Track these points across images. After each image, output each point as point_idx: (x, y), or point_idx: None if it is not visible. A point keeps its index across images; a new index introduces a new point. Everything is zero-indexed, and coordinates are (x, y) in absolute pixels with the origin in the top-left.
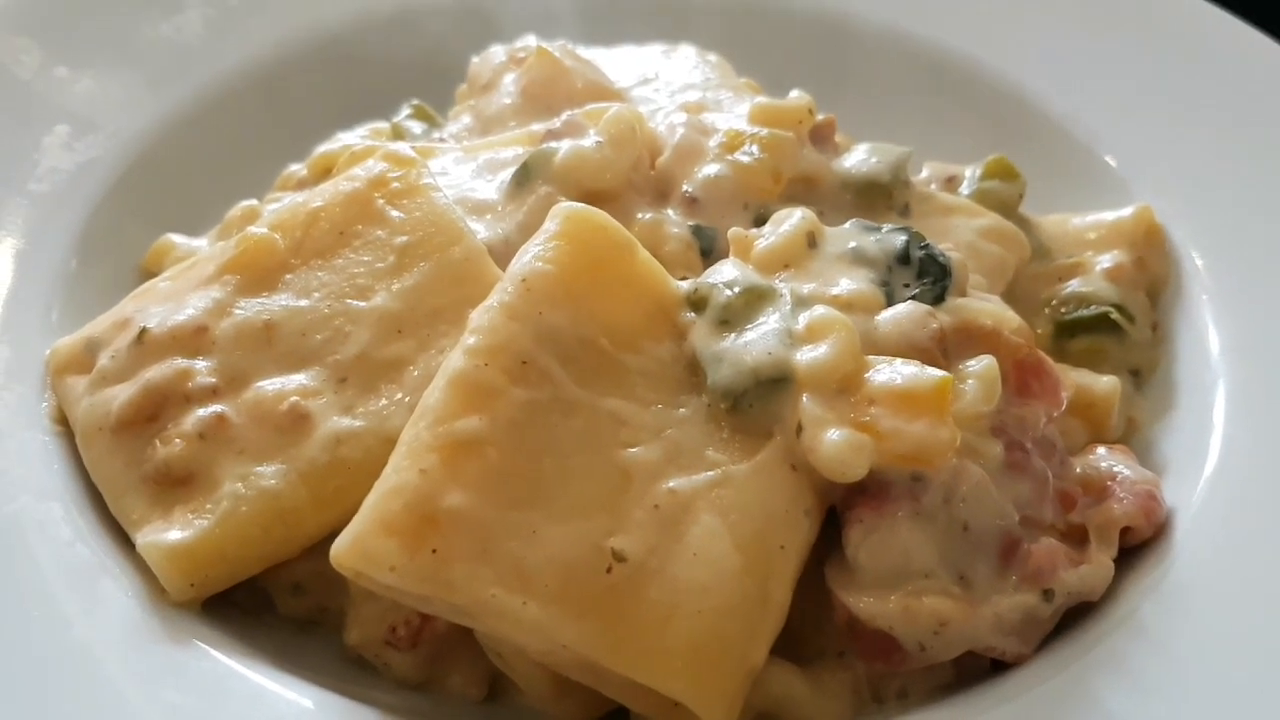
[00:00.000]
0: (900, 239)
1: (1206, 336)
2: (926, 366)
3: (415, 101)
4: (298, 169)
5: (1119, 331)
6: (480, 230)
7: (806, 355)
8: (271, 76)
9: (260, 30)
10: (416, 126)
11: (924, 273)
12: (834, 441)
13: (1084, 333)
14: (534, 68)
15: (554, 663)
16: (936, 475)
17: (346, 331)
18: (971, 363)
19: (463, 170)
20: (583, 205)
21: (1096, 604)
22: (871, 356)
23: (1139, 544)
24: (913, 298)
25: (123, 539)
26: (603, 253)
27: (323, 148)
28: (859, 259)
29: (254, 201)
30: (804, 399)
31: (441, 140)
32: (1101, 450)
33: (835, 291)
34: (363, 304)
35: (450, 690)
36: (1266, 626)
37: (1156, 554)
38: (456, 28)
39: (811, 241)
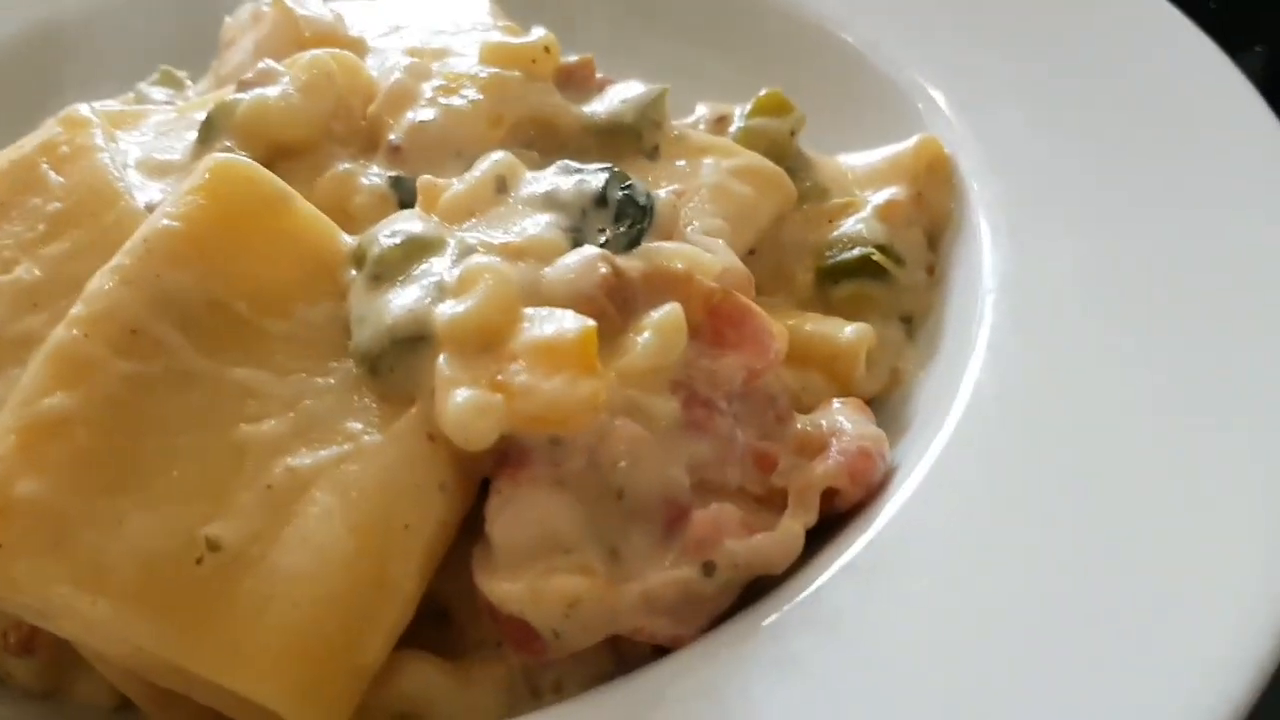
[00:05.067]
0: (599, 179)
1: (980, 277)
2: (578, 316)
3: (163, 67)
4: None
5: (884, 275)
6: (159, 193)
7: (448, 310)
8: (32, 49)
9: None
10: (160, 92)
11: (621, 215)
12: (458, 404)
13: (846, 278)
14: (268, 21)
15: (139, 668)
16: (577, 437)
17: None
18: (656, 312)
19: (164, 132)
20: (231, 156)
21: (781, 579)
22: (531, 309)
23: (852, 509)
24: (604, 243)
25: None
26: (247, 207)
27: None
28: (551, 204)
29: None
30: (440, 359)
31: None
32: (836, 405)
33: (508, 239)
34: (3, 278)
35: (79, 699)
36: (966, 615)
37: (859, 522)
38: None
39: (502, 186)
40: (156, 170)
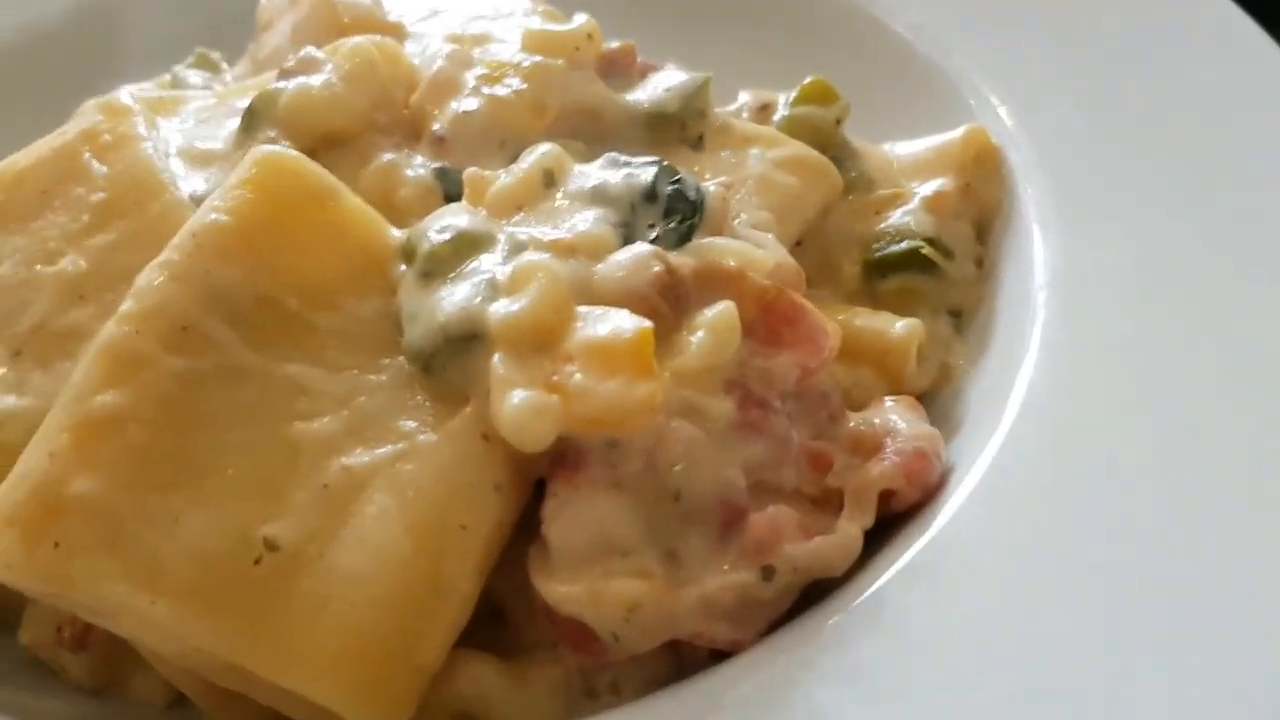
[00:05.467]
0: (648, 173)
1: (1031, 271)
2: (633, 316)
3: (199, 49)
4: None
5: (933, 268)
6: (203, 183)
7: (501, 309)
8: (63, 33)
9: None
10: (196, 75)
11: (672, 210)
12: (514, 406)
13: (894, 271)
14: (305, 4)
15: (198, 667)
16: (634, 440)
17: (28, 301)
18: (709, 311)
19: (204, 119)
20: (277, 149)
21: (840, 582)
22: (584, 308)
23: (909, 509)
24: (655, 239)
25: None
26: (294, 200)
27: (91, 102)
28: (599, 198)
29: None
30: (495, 359)
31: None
32: (888, 403)
33: (558, 235)
34: (49, 269)
35: (132, 696)
36: (1028, 616)
37: (918, 523)
38: None
39: (550, 180)
40: (199, 160)
